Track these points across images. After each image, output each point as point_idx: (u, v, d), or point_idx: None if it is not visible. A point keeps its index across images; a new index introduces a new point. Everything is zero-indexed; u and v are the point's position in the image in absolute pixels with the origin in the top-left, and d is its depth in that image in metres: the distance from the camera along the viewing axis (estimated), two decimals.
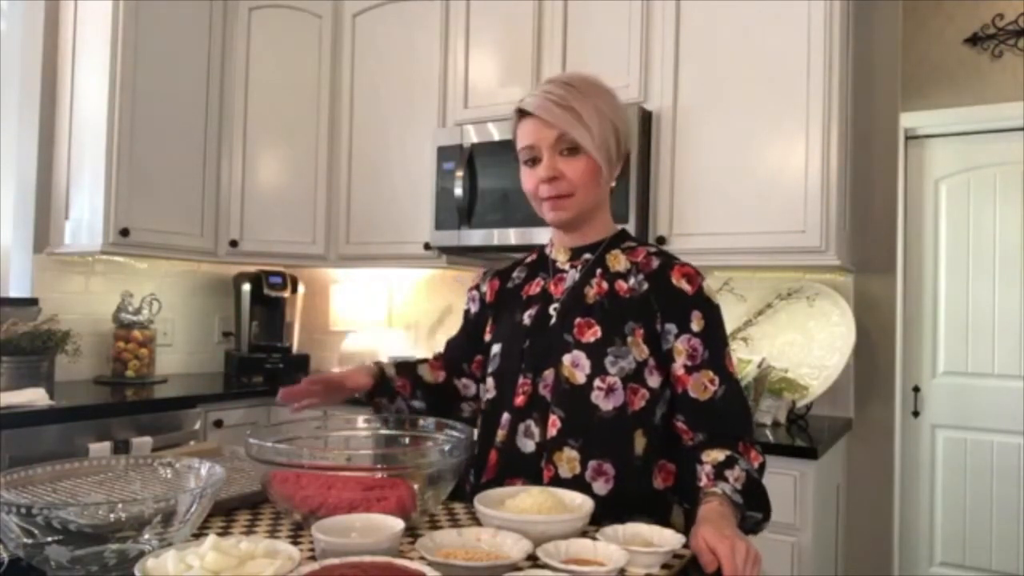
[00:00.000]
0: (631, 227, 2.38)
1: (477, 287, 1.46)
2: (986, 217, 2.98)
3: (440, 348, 1.53)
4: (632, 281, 1.26)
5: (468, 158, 2.67)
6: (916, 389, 3.04)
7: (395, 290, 3.38)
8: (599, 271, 1.29)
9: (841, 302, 2.48)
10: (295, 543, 0.96)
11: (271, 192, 3.10)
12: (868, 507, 2.54)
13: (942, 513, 3.00)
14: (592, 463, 1.19)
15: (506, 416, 1.26)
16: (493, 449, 1.27)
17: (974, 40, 2.95)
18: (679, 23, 2.46)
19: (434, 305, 3.28)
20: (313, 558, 0.91)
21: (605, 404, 1.20)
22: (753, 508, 1.13)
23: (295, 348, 3.35)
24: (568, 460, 1.20)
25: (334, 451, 1.22)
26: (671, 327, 1.23)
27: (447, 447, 1.11)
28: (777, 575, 1.98)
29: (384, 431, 1.32)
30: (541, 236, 2.39)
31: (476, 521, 1.06)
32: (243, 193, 3.05)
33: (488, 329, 1.39)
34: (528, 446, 1.24)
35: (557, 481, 1.19)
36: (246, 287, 3.23)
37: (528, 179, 1.27)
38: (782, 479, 1.98)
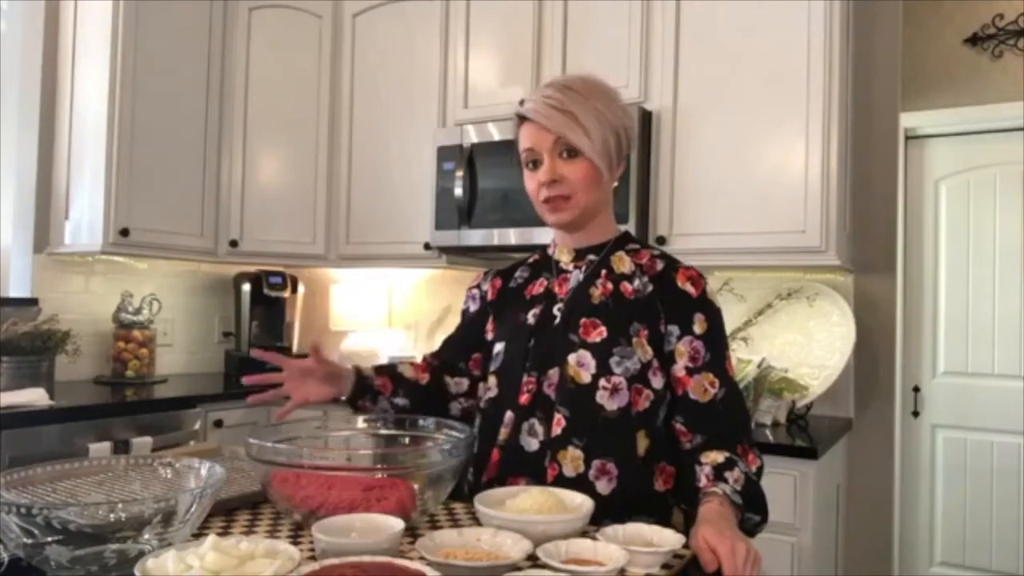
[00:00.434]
0: (631, 227, 2.38)
1: (478, 286, 1.46)
2: (986, 217, 2.97)
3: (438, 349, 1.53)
4: (637, 283, 1.27)
5: (468, 158, 2.67)
6: (916, 389, 3.04)
7: (395, 290, 3.38)
8: (604, 272, 1.30)
9: (841, 302, 2.48)
10: (295, 543, 0.96)
11: (271, 192, 3.10)
12: (868, 507, 2.54)
13: (942, 513, 3.00)
14: (596, 462, 1.20)
15: (510, 414, 1.27)
16: (495, 447, 1.27)
17: (974, 40, 2.95)
18: (679, 23, 2.46)
19: (434, 305, 3.28)
20: (313, 558, 0.91)
21: (610, 404, 1.21)
22: (751, 510, 1.14)
23: (295, 348, 3.35)
24: (572, 459, 1.20)
25: (334, 451, 1.22)
26: (673, 329, 1.24)
27: (447, 447, 1.11)
28: (777, 575, 1.98)
29: (384, 431, 1.32)
30: (541, 236, 2.39)
31: (476, 521, 1.06)
32: (243, 193, 3.05)
33: (489, 327, 1.39)
34: (532, 444, 1.24)
35: (561, 479, 1.20)
36: (246, 287, 3.23)
37: (529, 181, 1.28)
38: (782, 479, 1.98)
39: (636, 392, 1.22)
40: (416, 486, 1.04)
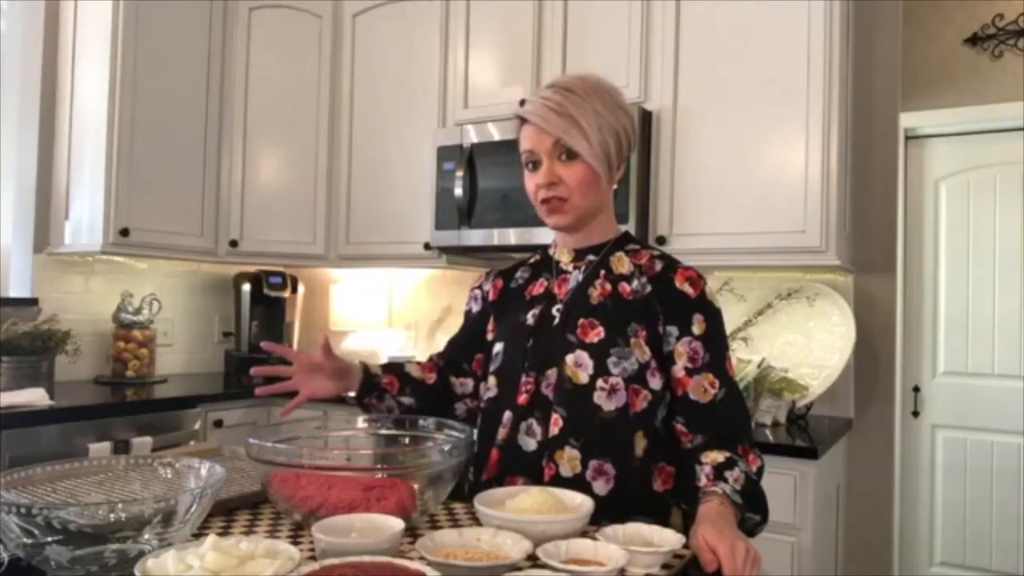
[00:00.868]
0: (631, 227, 2.38)
1: (480, 286, 1.47)
2: (986, 217, 2.97)
3: (440, 349, 1.53)
4: (635, 283, 1.27)
5: (468, 158, 2.67)
6: (916, 389, 3.04)
7: (395, 290, 3.38)
8: (603, 272, 1.30)
9: (841, 302, 2.48)
10: (295, 543, 0.96)
11: (271, 192, 3.10)
12: (868, 507, 2.54)
13: (942, 513, 3.00)
14: (593, 463, 1.20)
15: (508, 414, 1.27)
16: (494, 447, 1.27)
17: (974, 40, 2.95)
18: (679, 23, 2.46)
19: (434, 305, 3.28)
20: (313, 558, 0.91)
21: (607, 404, 1.21)
22: (752, 510, 1.14)
23: (295, 348, 3.34)
24: (569, 459, 1.21)
25: (334, 451, 1.22)
26: (672, 329, 1.24)
27: (447, 447, 1.11)
28: (777, 575, 1.98)
29: (384, 431, 1.32)
30: (541, 236, 2.39)
31: (476, 521, 1.06)
32: (243, 193, 3.05)
33: (490, 328, 1.40)
34: (530, 444, 1.24)
35: (558, 479, 1.20)
36: (246, 287, 3.23)
37: (529, 182, 1.29)
38: (782, 479, 1.98)
39: (634, 393, 1.22)
40: (416, 486, 1.04)
